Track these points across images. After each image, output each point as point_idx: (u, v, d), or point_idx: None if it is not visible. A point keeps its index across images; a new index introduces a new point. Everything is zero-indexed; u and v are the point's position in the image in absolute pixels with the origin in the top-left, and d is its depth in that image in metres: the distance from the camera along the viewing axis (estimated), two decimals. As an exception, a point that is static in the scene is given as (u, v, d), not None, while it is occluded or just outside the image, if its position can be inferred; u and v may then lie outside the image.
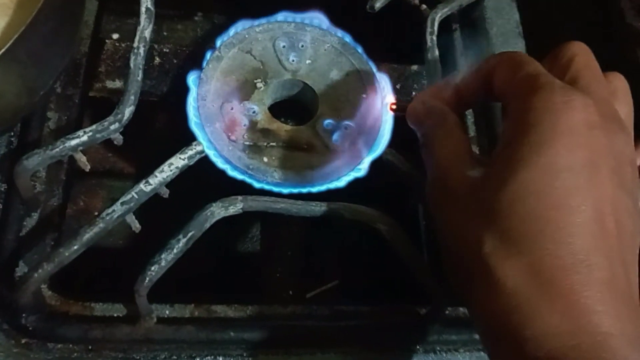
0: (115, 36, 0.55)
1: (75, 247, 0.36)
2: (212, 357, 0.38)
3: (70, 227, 0.43)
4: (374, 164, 0.44)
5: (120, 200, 0.38)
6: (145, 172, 0.40)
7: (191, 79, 0.44)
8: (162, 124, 0.49)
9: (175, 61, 0.49)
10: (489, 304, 0.29)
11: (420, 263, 0.39)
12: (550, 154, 0.29)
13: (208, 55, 0.46)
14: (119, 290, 0.38)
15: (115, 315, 0.39)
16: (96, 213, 0.39)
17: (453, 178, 0.33)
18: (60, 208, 0.42)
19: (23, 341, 0.38)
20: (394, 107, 0.43)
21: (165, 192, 0.39)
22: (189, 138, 0.42)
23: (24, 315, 0.38)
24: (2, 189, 0.41)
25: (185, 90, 0.44)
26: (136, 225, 0.39)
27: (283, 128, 0.45)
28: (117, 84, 0.47)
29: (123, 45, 0.48)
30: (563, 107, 0.30)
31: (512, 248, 0.29)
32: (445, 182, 0.34)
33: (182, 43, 0.56)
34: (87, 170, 0.40)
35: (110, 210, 0.38)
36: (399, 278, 0.43)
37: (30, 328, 0.38)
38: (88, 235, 0.37)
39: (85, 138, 0.39)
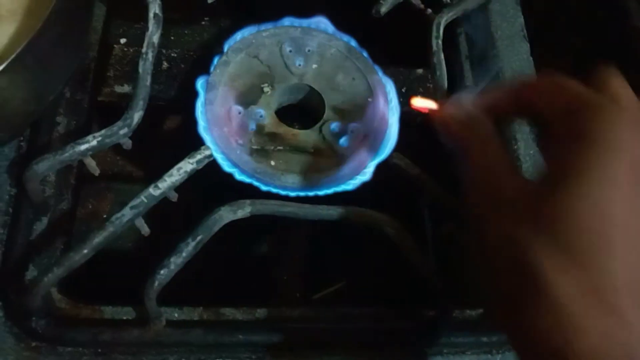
0: (123, 41, 0.56)
1: (85, 251, 0.36)
2: (221, 359, 0.38)
3: (79, 230, 0.43)
4: (381, 167, 0.44)
5: (130, 205, 0.38)
6: (154, 175, 0.40)
7: (199, 83, 0.45)
8: (170, 128, 0.49)
9: (183, 66, 0.49)
10: (535, 317, 0.27)
11: (427, 266, 0.40)
12: (613, 171, 0.28)
13: (216, 60, 0.46)
14: (128, 293, 0.38)
15: (124, 318, 0.40)
16: (105, 216, 0.39)
17: (503, 183, 0.31)
18: (70, 212, 0.42)
19: (33, 344, 0.38)
20: (418, 103, 0.40)
21: (174, 196, 0.40)
22: (197, 142, 0.42)
23: (33, 318, 0.38)
24: (12, 194, 0.41)
25: (193, 94, 0.44)
26: (145, 229, 0.39)
27: (290, 132, 0.45)
28: (126, 88, 0.47)
29: (131, 50, 0.49)
30: (625, 124, 0.29)
31: (567, 261, 0.27)
32: (494, 187, 0.32)
33: (189, 48, 0.56)
34: (97, 174, 0.40)
35: (119, 214, 0.38)
36: (405, 280, 0.43)
37: (40, 331, 0.39)
38: (98, 239, 0.37)
39: (94, 143, 0.39)
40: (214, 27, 0.58)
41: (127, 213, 0.38)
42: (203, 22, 0.59)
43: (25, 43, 0.35)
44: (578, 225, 0.28)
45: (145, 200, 0.38)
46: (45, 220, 0.41)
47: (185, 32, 0.58)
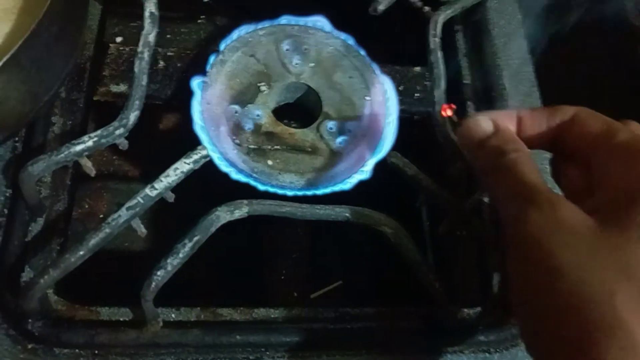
0: (118, 39, 0.56)
1: (82, 253, 0.36)
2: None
3: (75, 230, 0.43)
4: (379, 166, 0.44)
5: (126, 205, 0.38)
6: (150, 175, 0.40)
7: (196, 82, 0.44)
8: (166, 127, 0.49)
9: (179, 65, 0.49)
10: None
11: (425, 266, 0.39)
12: None
13: (212, 58, 0.46)
14: (125, 294, 0.38)
15: (121, 319, 0.39)
16: (101, 216, 0.39)
17: (569, 215, 0.29)
18: (66, 212, 0.42)
19: (29, 346, 0.38)
20: (449, 113, 0.38)
21: (170, 197, 0.40)
22: (194, 141, 0.42)
23: (30, 320, 0.38)
24: (7, 195, 0.41)
25: (189, 93, 0.44)
26: (142, 230, 0.39)
27: (287, 131, 0.45)
28: (122, 87, 0.47)
29: (127, 49, 0.48)
30: None
31: None
32: (558, 218, 0.29)
33: (185, 46, 0.56)
34: (93, 175, 0.40)
35: (116, 215, 0.38)
36: (403, 280, 0.43)
37: (37, 333, 0.38)
38: (94, 240, 0.37)
39: (90, 143, 0.39)
40: (210, 25, 0.58)
41: (123, 214, 0.38)
42: (199, 20, 0.58)
43: (20, 42, 0.35)
44: None
45: (142, 201, 0.38)
46: (40, 221, 0.41)
47: (182, 30, 0.58)
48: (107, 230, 0.37)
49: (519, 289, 0.30)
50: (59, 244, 0.41)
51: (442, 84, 0.46)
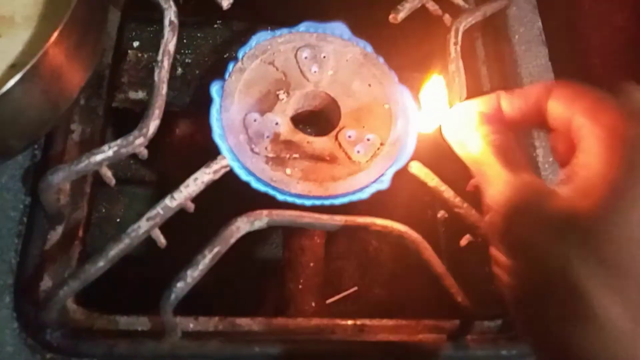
0: (135, 44, 0.55)
1: (101, 264, 0.36)
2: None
3: (94, 239, 0.43)
4: (398, 176, 0.43)
5: (146, 216, 0.38)
6: (169, 183, 0.40)
7: (214, 89, 0.44)
8: (185, 134, 0.49)
9: (197, 72, 0.49)
10: (585, 340, 0.26)
11: (449, 279, 0.39)
12: None
13: (231, 66, 0.46)
14: (143, 304, 0.38)
15: (140, 329, 0.39)
16: (120, 224, 0.38)
17: (542, 195, 0.29)
18: (85, 221, 0.42)
19: (48, 356, 0.38)
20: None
21: (190, 207, 0.39)
22: (212, 150, 0.42)
23: (48, 330, 0.38)
24: (27, 203, 0.41)
25: (207, 100, 0.43)
26: (161, 241, 0.38)
27: (305, 139, 0.45)
28: (140, 94, 0.47)
29: (145, 55, 0.48)
30: None
31: (616, 284, 0.26)
32: (534, 202, 0.29)
33: (202, 52, 0.56)
34: (113, 184, 0.40)
35: (135, 225, 0.37)
36: (418, 289, 0.43)
37: (55, 343, 0.38)
38: (113, 251, 0.36)
39: (110, 153, 0.38)
40: (226, 31, 0.57)
41: (143, 224, 0.38)
42: (216, 26, 0.58)
43: (41, 52, 0.35)
44: (630, 250, 0.26)
45: (162, 212, 0.38)
46: (59, 230, 0.41)
47: (198, 35, 0.58)
48: (127, 240, 0.37)
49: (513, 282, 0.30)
50: (78, 252, 0.41)
51: (464, 93, 0.45)
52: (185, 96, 0.48)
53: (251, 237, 0.40)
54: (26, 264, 0.39)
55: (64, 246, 0.40)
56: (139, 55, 0.49)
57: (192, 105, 0.48)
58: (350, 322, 0.42)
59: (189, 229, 0.40)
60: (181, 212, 0.39)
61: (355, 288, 0.52)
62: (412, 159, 0.44)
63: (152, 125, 0.40)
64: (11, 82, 0.34)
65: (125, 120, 0.45)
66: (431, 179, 0.42)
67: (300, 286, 0.46)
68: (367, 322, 0.42)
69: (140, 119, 0.41)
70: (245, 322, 0.41)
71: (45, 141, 0.43)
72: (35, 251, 0.40)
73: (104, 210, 0.50)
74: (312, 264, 0.47)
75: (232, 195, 0.42)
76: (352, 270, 0.50)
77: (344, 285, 0.50)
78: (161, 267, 0.37)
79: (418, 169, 0.42)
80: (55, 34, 0.35)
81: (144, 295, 0.37)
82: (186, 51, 0.50)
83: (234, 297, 0.47)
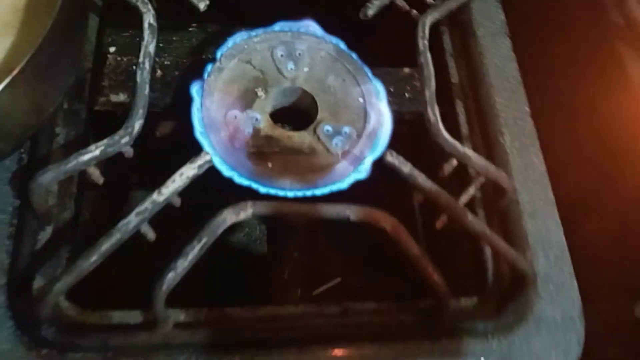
0: (112, 49, 0.57)
1: (94, 259, 0.37)
2: (229, 357, 0.39)
3: (83, 237, 0.44)
4: (375, 165, 0.45)
5: (135, 211, 0.39)
6: (154, 181, 0.41)
7: (194, 89, 0.46)
8: (167, 134, 0.50)
9: (176, 73, 0.50)
10: None
11: (424, 259, 0.41)
12: None
13: (209, 67, 0.47)
14: (135, 297, 0.39)
15: (132, 322, 0.41)
16: (105, 218, 0.40)
17: None
18: (73, 220, 0.43)
19: (43, 352, 0.39)
20: None
21: (177, 201, 0.41)
22: (195, 148, 0.43)
23: (43, 327, 0.39)
24: (16, 205, 0.42)
25: (188, 101, 0.45)
26: (151, 235, 0.40)
27: (285, 134, 0.46)
28: (121, 97, 0.48)
29: (125, 59, 0.49)
30: None
31: None
32: None
33: (180, 54, 0.57)
34: (101, 183, 0.41)
35: (125, 220, 0.39)
36: (398, 274, 0.45)
37: (50, 339, 0.39)
38: (105, 246, 0.38)
39: (97, 152, 0.40)
40: (203, 33, 0.59)
41: (132, 219, 0.39)
42: (191, 29, 0.60)
43: (27, 58, 0.36)
44: None
45: (150, 207, 0.39)
46: (49, 230, 0.42)
47: (175, 38, 0.59)
48: (118, 235, 0.38)
49: None
50: (68, 251, 0.42)
51: (432, 84, 0.48)
52: (166, 97, 0.49)
53: (236, 229, 0.41)
54: (18, 264, 0.40)
55: (54, 246, 0.42)
56: (119, 59, 0.50)
57: (173, 105, 0.49)
58: (334, 307, 0.44)
59: (178, 224, 0.41)
60: (168, 207, 0.41)
61: (339, 279, 0.53)
62: (387, 148, 0.46)
63: (137, 124, 0.41)
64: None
65: (107, 123, 0.46)
66: (405, 166, 0.44)
67: (285, 276, 0.48)
68: (350, 305, 0.44)
69: (122, 120, 0.43)
70: (234, 312, 0.42)
71: (31, 145, 0.44)
72: (27, 251, 0.41)
73: (93, 214, 0.51)
74: (295, 254, 0.49)
75: (216, 190, 0.43)
76: (334, 258, 0.52)
77: (328, 274, 0.52)
78: (150, 262, 0.39)
79: (393, 157, 0.45)
80: (40, 40, 0.36)
81: (134, 290, 0.39)
82: (164, 54, 0.51)
83: (222, 288, 0.48)
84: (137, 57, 0.45)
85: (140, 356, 0.39)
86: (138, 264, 0.43)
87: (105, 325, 0.40)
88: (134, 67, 0.45)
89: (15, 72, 0.35)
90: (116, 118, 0.45)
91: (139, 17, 0.45)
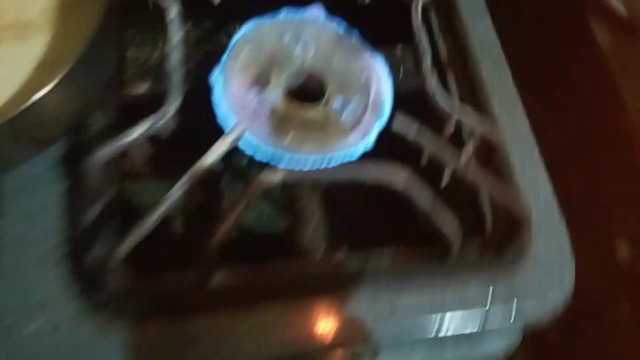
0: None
1: (147, 226, 0.42)
2: (272, 304, 0.45)
3: (129, 214, 0.48)
4: (384, 132, 0.51)
5: (176, 185, 0.44)
6: (185, 161, 0.46)
7: (213, 76, 0.51)
8: (190, 118, 0.55)
9: (194, 63, 0.54)
10: None
11: (436, 207, 0.47)
12: None
13: (225, 54, 0.52)
14: (183, 259, 0.44)
15: (183, 283, 0.45)
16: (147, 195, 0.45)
17: None
18: (119, 198, 0.47)
19: (105, 315, 0.43)
20: None
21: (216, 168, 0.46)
22: (218, 130, 0.48)
23: (103, 292, 0.44)
24: (66, 186, 0.46)
25: (207, 88, 0.50)
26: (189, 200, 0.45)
27: (299, 111, 0.52)
28: (144, 88, 0.53)
29: (146, 49, 0.54)
30: None
31: None
32: None
33: (196, 44, 0.61)
34: (140, 163, 0.46)
35: (168, 194, 0.44)
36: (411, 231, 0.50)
37: (109, 305, 0.44)
38: (154, 215, 0.43)
39: (139, 134, 0.45)
40: (217, 24, 0.63)
41: (175, 191, 0.44)
42: (205, 20, 0.64)
43: (80, 52, 0.40)
44: None
45: (190, 179, 0.44)
46: (98, 207, 0.46)
47: (191, 29, 0.63)
48: (163, 207, 0.43)
49: None
50: (116, 225, 0.46)
51: (428, 58, 0.53)
52: (185, 86, 0.54)
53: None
54: (74, 238, 0.45)
55: (105, 220, 0.46)
56: (139, 51, 0.54)
57: (194, 92, 0.53)
58: (358, 252, 0.49)
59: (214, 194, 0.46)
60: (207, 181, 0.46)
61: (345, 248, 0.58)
62: (392, 116, 0.51)
63: (172, 107, 0.46)
64: (53, 82, 0.40)
65: (133, 114, 0.50)
66: (412, 128, 0.49)
67: (306, 241, 0.53)
68: (372, 251, 0.49)
69: (144, 111, 0.47)
70: (270, 266, 0.47)
71: (74, 130, 0.48)
72: (81, 226, 0.45)
73: (136, 191, 0.55)
74: (315, 220, 0.54)
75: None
76: (351, 215, 0.58)
77: (347, 239, 0.57)
78: (191, 227, 0.43)
79: (399, 121, 0.50)
80: (90, 38, 0.40)
81: (181, 252, 0.44)
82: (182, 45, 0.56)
83: (254, 247, 0.53)
84: (157, 49, 0.50)
85: (195, 310, 0.44)
86: (179, 230, 0.48)
87: (160, 287, 0.45)
88: (153, 59, 0.49)
89: (69, 66, 0.40)
90: (140, 109, 0.49)
91: (162, 10, 0.50)
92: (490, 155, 0.54)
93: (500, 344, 0.57)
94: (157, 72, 0.51)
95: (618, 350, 0.65)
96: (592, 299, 0.59)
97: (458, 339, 0.51)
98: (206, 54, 0.55)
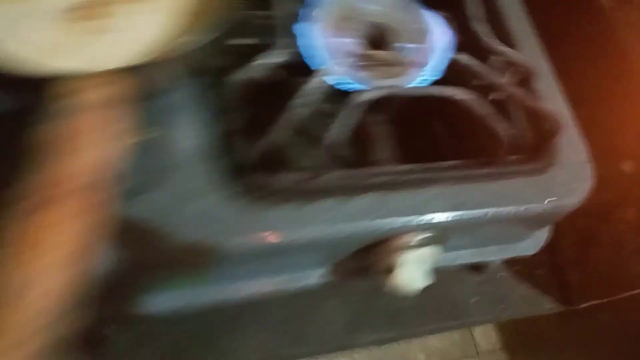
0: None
1: (276, 134, 0.56)
2: (365, 195, 0.59)
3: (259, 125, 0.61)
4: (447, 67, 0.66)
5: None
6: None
7: (302, 28, 0.64)
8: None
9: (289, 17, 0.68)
10: None
11: (493, 117, 0.62)
12: None
13: (313, 11, 0.66)
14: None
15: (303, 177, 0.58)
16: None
17: None
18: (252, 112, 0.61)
19: (258, 194, 0.56)
20: None
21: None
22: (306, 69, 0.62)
23: (252, 174, 0.56)
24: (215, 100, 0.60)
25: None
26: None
27: (375, 53, 0.66)
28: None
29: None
30: None
31: None
32: None
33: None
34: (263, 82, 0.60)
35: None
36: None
37: (257, 182, 0.56)
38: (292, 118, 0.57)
39: (275, 58, 0.59)
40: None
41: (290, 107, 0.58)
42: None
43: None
44: None
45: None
46: (237, 119, 0.59)
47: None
48: (299, 111, 0.57)
49: None
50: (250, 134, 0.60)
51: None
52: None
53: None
54: (226, 139, 0.58)
55: (243, 129, 0.59)
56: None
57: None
58: (421, 164, 0.64)
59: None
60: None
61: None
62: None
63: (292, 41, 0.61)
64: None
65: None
66: (474, 61, 0.65)
67: (381, 142, 0.67)
68: (438, 164, 0.64)
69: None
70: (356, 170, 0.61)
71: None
72: (229, 128, 0.58)
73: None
74: (386, 136, 0.69)
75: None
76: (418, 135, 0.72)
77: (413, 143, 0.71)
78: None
79: (461, 56, 0.65)
80: None
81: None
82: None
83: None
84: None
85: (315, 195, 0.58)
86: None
87: (285, 182, 0.58)
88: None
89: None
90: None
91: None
92: (524, 81, 0.70)
93: (531, 243, 0.73)
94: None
95: (627, 255, 0.80)
96: (601, 203, 0.74)
97: (500, 237, 0.66)
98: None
